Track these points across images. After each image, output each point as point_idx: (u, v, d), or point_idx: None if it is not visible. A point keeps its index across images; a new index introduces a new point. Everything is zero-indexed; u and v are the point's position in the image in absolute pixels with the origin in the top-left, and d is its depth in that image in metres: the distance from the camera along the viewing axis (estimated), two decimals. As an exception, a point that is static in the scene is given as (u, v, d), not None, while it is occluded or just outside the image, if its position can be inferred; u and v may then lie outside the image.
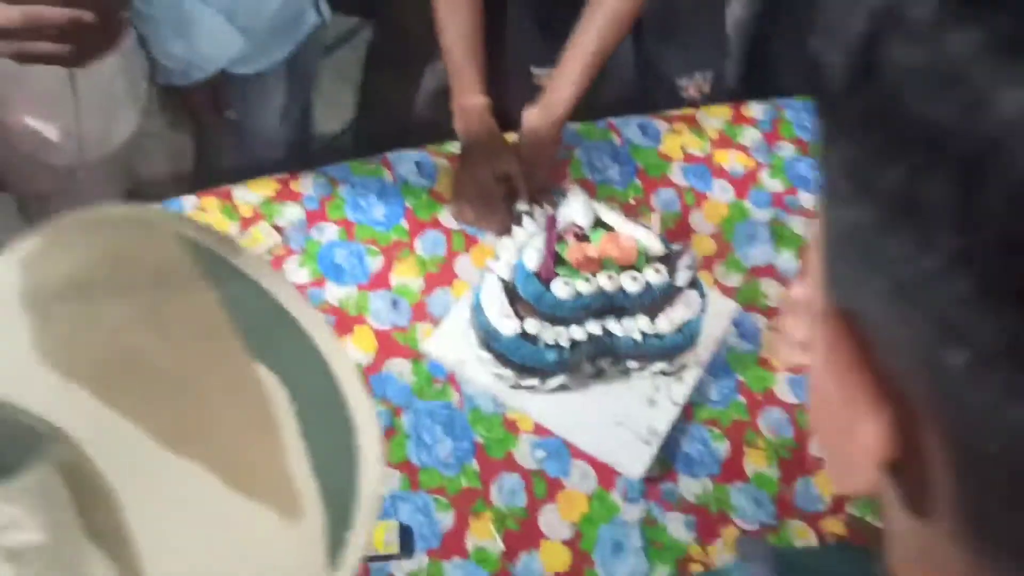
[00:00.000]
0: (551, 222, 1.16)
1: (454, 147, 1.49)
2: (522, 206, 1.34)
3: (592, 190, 1.48)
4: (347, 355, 0.37)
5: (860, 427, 0.28)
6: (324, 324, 0.37)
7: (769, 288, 1.41)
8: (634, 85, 1.75)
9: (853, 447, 0.29)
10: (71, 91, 1.40)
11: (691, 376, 1.29)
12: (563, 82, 1.39)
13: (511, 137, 1.42)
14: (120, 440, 0.32)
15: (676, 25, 1.62)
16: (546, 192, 1.38)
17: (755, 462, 1.26)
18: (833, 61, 0.26)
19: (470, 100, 1.39)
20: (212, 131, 1.77)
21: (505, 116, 1.42)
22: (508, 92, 1.71)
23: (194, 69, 1.53)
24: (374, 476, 0.35)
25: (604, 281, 1.19)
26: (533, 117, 1.40)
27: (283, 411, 0.34)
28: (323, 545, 0.34)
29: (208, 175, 1.80)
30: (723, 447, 1.26)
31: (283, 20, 1.62)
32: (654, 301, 1.22)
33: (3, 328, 0.33)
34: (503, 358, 1.23)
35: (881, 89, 0.25)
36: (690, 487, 1.23)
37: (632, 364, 1.26)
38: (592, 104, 1.72)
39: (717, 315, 1.33)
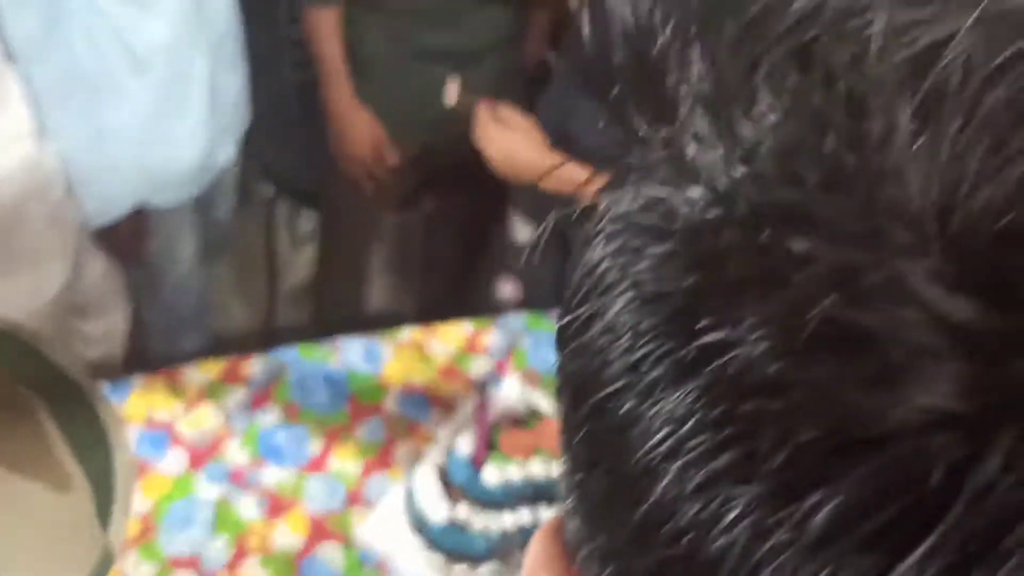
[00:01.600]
0: (481, 407, 1.18)
1: (403, 333, 1.52)
2: None
3: (537, 381, 1.50)
4: (89, 379, 0.55)
5: None
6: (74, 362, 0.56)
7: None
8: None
9: None
10: None
11: (626, 569, 1.27)
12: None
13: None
14: None
15: None
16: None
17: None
18: None
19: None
20: (135, 268, 1.77)
21: None
22: None
23: (112, 206, 1.56)
24: (125, 460, 0.50)
25: (536, 468, 1.20)
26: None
27: (47, 421, 0.50)
28: (93, 512, 0.48)
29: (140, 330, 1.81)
30: (658, 645, 1.23)
31: (190, 162, 1.65)
32: (586, 490, 1.22)
33: None
34: (433, 544, 1.21)
35: None
36: None
37: (564, 554, 1.24)
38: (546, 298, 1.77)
39: (654, 507, 1.32)
